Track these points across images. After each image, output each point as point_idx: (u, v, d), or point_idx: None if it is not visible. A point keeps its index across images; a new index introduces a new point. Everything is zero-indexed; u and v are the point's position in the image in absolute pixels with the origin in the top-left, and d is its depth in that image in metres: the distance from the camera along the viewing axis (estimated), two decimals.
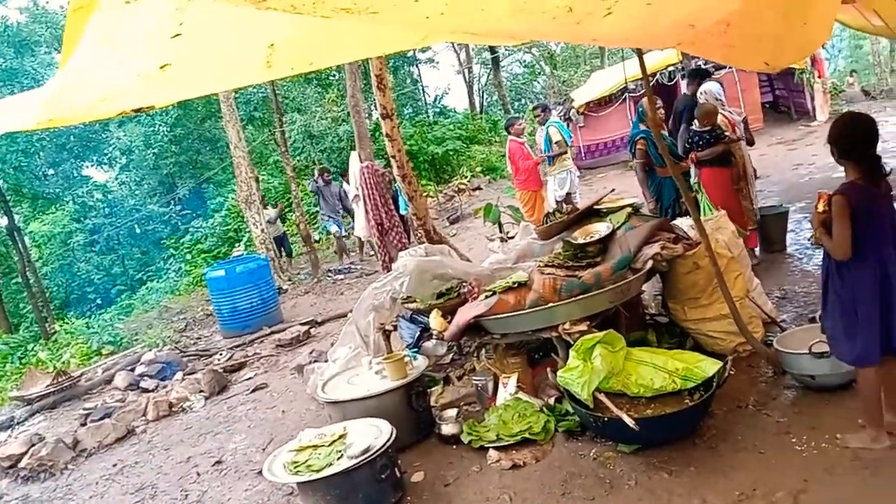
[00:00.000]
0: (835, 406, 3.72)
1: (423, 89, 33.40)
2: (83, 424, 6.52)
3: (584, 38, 2.75)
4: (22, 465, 5.82)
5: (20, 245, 21.80)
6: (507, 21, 2.01)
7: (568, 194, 9.59)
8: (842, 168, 3.22)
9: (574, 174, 10.09)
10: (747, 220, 6.41)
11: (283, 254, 14.06)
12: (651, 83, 8.04)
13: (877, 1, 4.92)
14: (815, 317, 4.77)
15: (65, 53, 1.96)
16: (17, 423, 7.32)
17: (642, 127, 6.42)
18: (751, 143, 7.07)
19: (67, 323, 14.01)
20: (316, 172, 14.01)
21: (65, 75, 2.07)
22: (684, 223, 5.25)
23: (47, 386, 7.86)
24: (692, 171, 6.70)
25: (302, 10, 1.58)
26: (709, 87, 6.86)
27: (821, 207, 3.14)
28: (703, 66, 10.59)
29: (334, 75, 21.37)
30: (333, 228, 13.61)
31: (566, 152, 9.70)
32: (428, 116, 28.76)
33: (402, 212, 10.37)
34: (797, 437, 3.51)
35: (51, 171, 25.76)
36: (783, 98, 18.37)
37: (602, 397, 3.81)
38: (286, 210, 15.74)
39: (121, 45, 2.05)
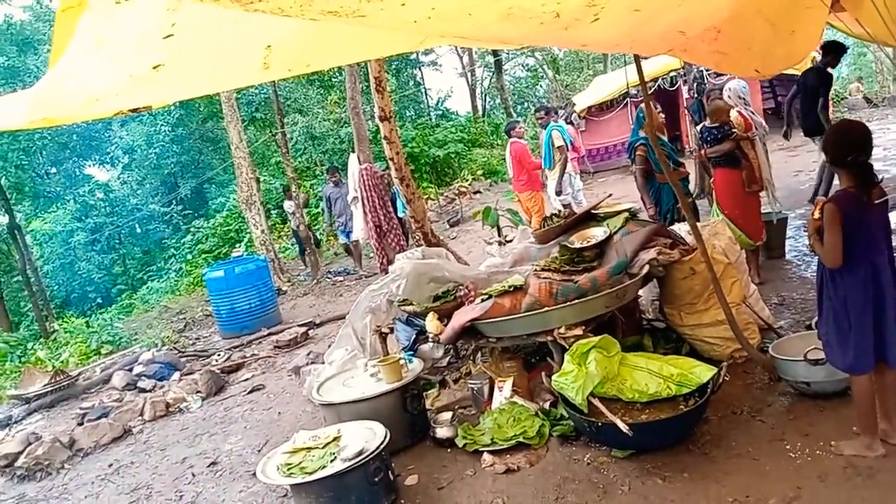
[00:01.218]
0: (829, 413, 3.72)
1: (425, 92, 33.45)
2: (80, 424, 6.51)
3: (573, 43, 2.75)
4: (18, 463, 5.81)
5: (21, 243, 21.85)
6: (495, 27, 2.01)
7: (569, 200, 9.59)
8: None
9: (574, 177, 10.09)
10: (760, 232, 6.30)
11: (311, 245, 13.49)
12: (652, 89, 8.04)
13: (861, 10, 4.91)
14: (811, 324, 4.75)
15: (54, 53, 1.96)
16: (15, 422, 7.32)
17: (641, 133, 6.40)
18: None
19: (67, 322, 14.02)
20: (327, 175, 13.31)
21: (55, 75, 2.07)
22: (682, 228, 5.25)
23: (45, 385, 7.86)
24: (692, 176, 6.68)
25: (290, 12, 1.58)
26: (734, 85, 6.76)
27: (816, 214, 3.15)
28: (838, 41, 9.08)
29: (336, 77, 21.39)
30: (344, 240, 12.82)
31: (566, 156, 9.72)
32: (430, 119, 28.81)
33: (401, 214, 10.37)
34: (791, 443, 3.51)
35: (53, 170, 25.83)
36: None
37: (596, 402, 3.81)
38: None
39: (112, 46, 2.05)
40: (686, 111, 13.91)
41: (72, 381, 8.06)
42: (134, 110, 3.09)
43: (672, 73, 16.07)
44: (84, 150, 25.57)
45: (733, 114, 6.34)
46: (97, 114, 2.87)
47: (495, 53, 28.23)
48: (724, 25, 2.74)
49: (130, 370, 8.03)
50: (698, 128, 6.79)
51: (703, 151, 6.47)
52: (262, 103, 20.84)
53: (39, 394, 7.74)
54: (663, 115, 6.84)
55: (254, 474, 4.43)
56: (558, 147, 9.57)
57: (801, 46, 3.41)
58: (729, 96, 6.67)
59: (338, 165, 14.13)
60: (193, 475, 5.08)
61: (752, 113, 6.60)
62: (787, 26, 2.91)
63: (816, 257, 3.32)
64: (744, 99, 6.63)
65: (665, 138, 6.82)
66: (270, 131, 20.03)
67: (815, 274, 4.06)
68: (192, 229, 21.24)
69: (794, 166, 12.22)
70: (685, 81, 14.90)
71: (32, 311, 21.02)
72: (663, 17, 2.42)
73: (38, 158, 23.99)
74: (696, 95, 12.14)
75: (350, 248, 12.94)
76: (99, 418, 6.50)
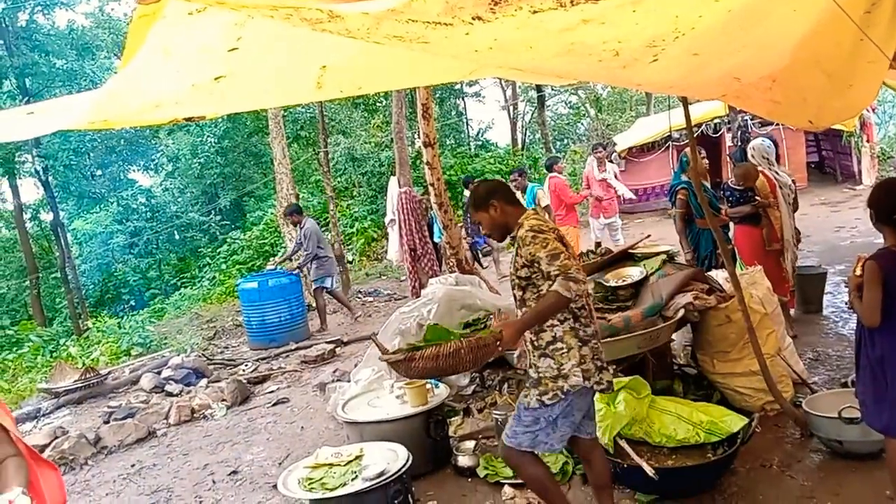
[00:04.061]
0: (862, 474, 3.63)
1: (466, 122, 33.68)
2: (106, 422, 6.61)
3: (628, 82, 2.77)
4: (44, 456, 5.89)
5: (63, 241, 22.36)
6: (553, 61, 2.04)
7: None
8: None
9: (608, 220, 10.07)
10: (783, 285, 6.17)
11: (343, 264, 12.94)
12: (696, 134, 8.02)
13: None
14: (847, 381, 4.68)
15: (126, 57, 2.03)
16: (43, 415, 7.45)
17: (684, 177, 6.37)
18: (794, 209, 6.64)
19: (100, 321, 14.24)
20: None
21: (121, 79, 2.15)
22: (720, 275, 5.20)
23: (75, 381, 7.99)
24: (731, 224, 6.63)
25: (356, 34, 1.63)
26: (758, 144, 6.69)
27: (858, 272, 3.11)
28: None
29: (381, 101, 21.68)
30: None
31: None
32: (469, 148, 28.96)
33: (436, 240, 10.41)
34: (820, 502, 3.42)
35: (98, 172, 26.43)
36: (829, 159, 18.13)
37: (623, 443, 3.77)
38: (323, 227, 15.49)
39: (179, 55, 2.12)
40: (729, 158, 13.83)
41: (101, 379, 8.18)
42: (188, 119, 3.19)
43: (716, 120, 16.01)
44: (130, 155, 26.17)
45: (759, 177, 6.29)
46: (154, 120, 2.96)
47: (539, 88, 28.36)
48: (780, 74, 2.73)
49: (159, 373, 8.12)
50: (722, 184, 6.72)
51: (724, 210, 6.41)
52: (308, 122, 21.17)
53: (69, 389, 7.87)
54: (707, 161, 6.79)
55: (274, 486, 4.46)
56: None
57: (857, 100, 3.38)
58: (752, 155, 6.60)
59: (300, 205, 11.85)
60: (214, 482, 5.11)
61: (777, 173, 6.51)
62: (844, 79, 2.89)
63: (854, 314, 3.27)
64: (768, 159, 6.55)
65: (707, 184, 6.78)
66: (313, 150, 20.33)
67: (852, 331, 3.99)
68: (228, 240, 21.53)
69: (835, 221, 12.04)
70: (729, 129, 14.84)
71: (67, 308, 21.42)
72: (721, 62, 2.44)
73: (86, 160, 24.57)
74: (739, 143, 12.07)
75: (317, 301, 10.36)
76: (125, 418, 6.59)
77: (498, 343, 3.16)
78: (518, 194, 9.48)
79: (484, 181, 3.61)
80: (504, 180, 3.97)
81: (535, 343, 3.17)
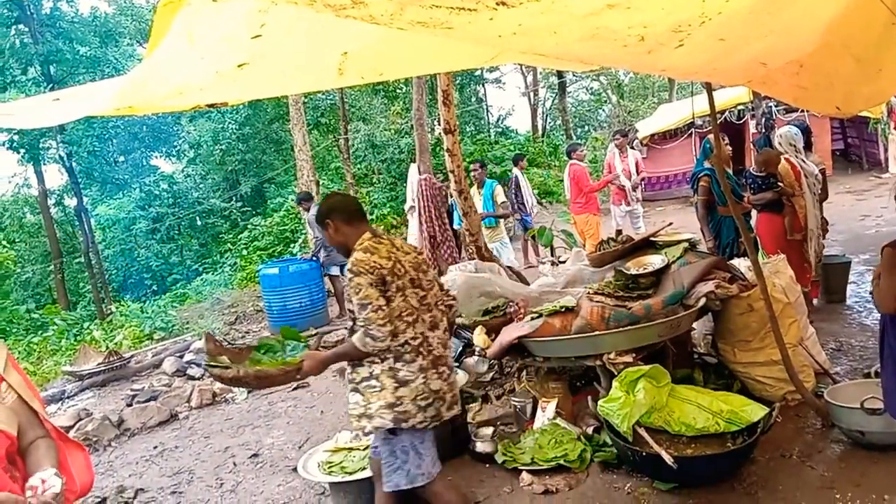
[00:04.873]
0: (884, 465, 3.60)
1: (486, 108, 33.56)
2: (129, 405, 6.71)
3: (653, 68, 2.73)
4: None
5: (86, 226, 22.64)
6: (577, 46, 2.02)
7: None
8: None
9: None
10: (804, 275, 6.09)
11: None
12: (719, 121, 7.93)
13: None
14: (870, 372, 4.63)
15: (151, 45, 2.04)
16: (67, 397, 7.57)
17: (707, 164, 6.31)
18: (822, 198, 6.60)
19: (123, 305, 14.42)
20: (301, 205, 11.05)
21: (146, 66, 2.16)
22: (742, 264, 5.16)
23: (99, 364, 8.11)
24: (753, 212, 6.57)
25: (380, 20, 1.63)
26: (785, 132, 6.61)
27: None
28: None
29: (401, 88, 21.64)
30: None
31: (508, 216, 9.69)
32: (489, 135, 28.86)
33: (456, 226, 10.40)
34: (841, 493, 3.40)
35: (121, 158, 26.66)
36: (855, 147, 17.87)
37: (642, 431, 3.76)
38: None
39: (203, 42, 2.13)
40: (752, 146, 13.68)
41: (124, 362, 8.29)
42: (211, 105, 3.20)
43: (740, 107, 15.83)
44: (153, 141, 26.37)
45: (783, 163, 6.22)
46: (177, 106, 2.98)
47: (560, 74, 28.19)
48: (807, 59, 2.68)
49: (181, 357, 8.23)
50: (744, 172, 6.67)
51: (747, 197, 6.35)
52: (328, 109, 21.20)
53: (93, 372, 7.98)
54: (730, 148, 6.72)
55: (293, 469, 4.52)
56: (501, 203, 9.53)
57: (887, 86, 3.30)
58: (780, 143, 6.53)
59: (310, 193, 11.98)
60: (234, 465, 5.18)
61: (803, 161, 6.42)
62: (874, 64, 2.82)
63: None
64: (794, 146, 6.47)
65: (730, 171, 6.71)
66: (334, 137, 20.38)
67: (876, 321, 3.94)
68: (249, 226, 21.65)
69: (860, 210, 11.88)
70: (753, 116, 14.67)
71: (91, 293, 21.73)
72: (748, 47, 2.40)
73: (110, 146, 24.80)
74: (763, 131, 11.93)
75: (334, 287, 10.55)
76: (148, 401, 6.69)
77: (297, 372, 3.10)
78: (474, 189, 9.46)
79: (328, 197, 3.50)
80: (348, 195, 3.85)
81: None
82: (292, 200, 18.32)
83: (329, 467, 3.74)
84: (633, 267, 4.91)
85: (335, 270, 10.09)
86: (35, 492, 1.77)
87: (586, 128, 34.38)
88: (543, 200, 19.84)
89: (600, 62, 2.82)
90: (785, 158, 6.30)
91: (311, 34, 2.37)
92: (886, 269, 2.97)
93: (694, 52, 2.19)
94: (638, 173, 10.39)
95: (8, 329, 15.91)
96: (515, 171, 11.42)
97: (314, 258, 10.22)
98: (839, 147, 18.15)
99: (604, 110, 34.92)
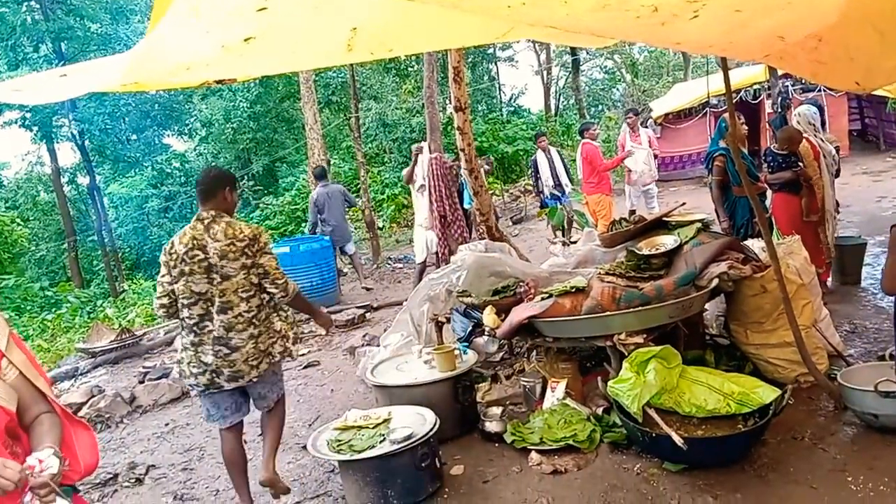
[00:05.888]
0: None
1: (499, 87, 33.33)
2: (141, 382, 6.76)
3: (667, 41, 2.67)
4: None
5: (99, 205, 22.78)
6: (589, 18, 1.97)
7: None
8: None
9: (643, 188, 9.89)
10: (819, 257, 6.03)
11: (374, 230, 13.10)
12: (735, 100, 7.82)
13: None
14: (884, 354, 4.58)
15: (153, 20, 2.01)
16: (80, 374, 7.64)
17: (722, 144, 6.22)
18: (836, 174, 6.57)
19: (136, 283, 14.55)
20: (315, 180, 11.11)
21: (151, 42, 2.13)
22: (756, 245, 5.09)
23: (111, 342, 8.18)
24: (768, 192, 6.49)
25: None
26: (803, 110, 6.52)
27: None
28: None
29: (413, 66, 21.53)
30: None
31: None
32: (501, 115, 28.69)
33: (466, 206, 10.36)
34: (853, 476, 3.37)
35: (133, 137, 26.74)
36: (872, 127, 17.60)
37: (652, 412, 3.73)
38: (354, 193, 15.23)
39: (207, 16, 2.09)
40: (768, 125, 13.51)
41: (137, 340, 8.36)
42: (219, 81, 3.17)
43: (756, 86, 15.61)
44: (164, 119, 26.41)
45: (803, 143, 6.12)
46: (185, 82, 2.95)
47: (573, 52, 27.90)
48: (827, 33, 2.60)
49: None
50: (764, 150, 6.58)
51: (764, 176, 6.27)
52: (339, 87, 21.12)
53: (105, 349, 8.05)
54: (746, 128, 6.62)
55: (303, 447, 4.53)
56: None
57: None
58: (798, 122, 6.43)
59: (325, 168, 11.99)
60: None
61: (822, 141, 6.33)
62: None
63: None
64: (814, 125, 6.37)
65: (745, 151, 6.62)
66: (345, 115, 20.30)
67: (891, 303, 3.89)
68: (260, 205, 21.71)
69: (877, 191, 11.72)
70: (769, 95, 14.46)
71: (104, 271, 21.91)
72: (765, 19, 2.33)
73: (122, 124, 24.87)
74: (779, 110, 11.76)
75: (353, 262, 11.12)
76: (159, 378, 6.73)
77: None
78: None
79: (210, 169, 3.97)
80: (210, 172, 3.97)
81: None
82: (304, 179, 18.33)
83: (338, 445, 3.74)
84: (644, 247, 4.86)
85: (350, 248, 10.21)
86: (32, 471, 1.76)
87: (600, 107, 34.08)
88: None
89: (613, 35, 2.76)
90: (805, 138, 6.20)
91: (319, 9, 2.33)
92: (891, 249, 2.93)
93: (709, 23, 2.13)
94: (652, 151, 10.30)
95: (22, 306, 16.08)
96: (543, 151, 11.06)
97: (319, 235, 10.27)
98: (856, 127, 17.88)
99: (618, 89, 34.58)
